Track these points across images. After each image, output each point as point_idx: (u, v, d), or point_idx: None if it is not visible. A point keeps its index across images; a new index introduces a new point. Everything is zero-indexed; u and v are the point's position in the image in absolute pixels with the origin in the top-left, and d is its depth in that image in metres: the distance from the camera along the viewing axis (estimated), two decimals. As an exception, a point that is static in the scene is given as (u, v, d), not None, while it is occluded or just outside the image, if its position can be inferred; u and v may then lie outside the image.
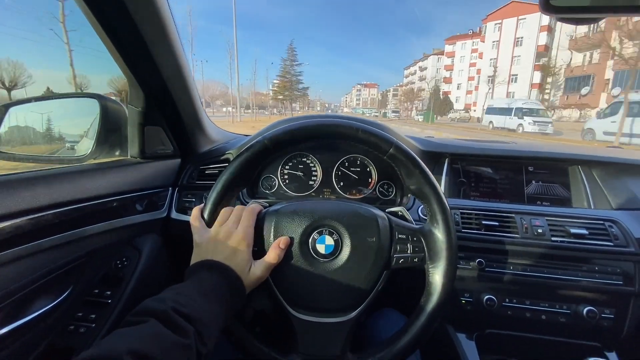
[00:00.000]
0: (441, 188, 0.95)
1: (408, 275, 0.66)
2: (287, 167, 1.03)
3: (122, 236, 0.81)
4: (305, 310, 0.58)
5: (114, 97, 0.91)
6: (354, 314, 0.57)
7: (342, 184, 1.02)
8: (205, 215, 0.58)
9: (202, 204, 0.60)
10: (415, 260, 0.59)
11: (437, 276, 0.57)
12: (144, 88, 0.81)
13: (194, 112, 0.94)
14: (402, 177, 0.61)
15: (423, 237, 0.59)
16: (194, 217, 0.59)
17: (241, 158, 0.59)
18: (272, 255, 0.56)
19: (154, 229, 0.91)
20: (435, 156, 1.03)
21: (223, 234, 0.55)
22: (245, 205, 0.62)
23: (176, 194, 0.97)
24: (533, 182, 1.00)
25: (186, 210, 0.96)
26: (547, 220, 0.85)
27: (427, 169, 0.59)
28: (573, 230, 0.81)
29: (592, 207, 0.91)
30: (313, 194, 1.02)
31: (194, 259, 0.55)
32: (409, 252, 0.59)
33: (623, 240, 0.80)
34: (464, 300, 0.85)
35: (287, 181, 1.03)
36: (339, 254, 0.58)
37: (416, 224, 0.64)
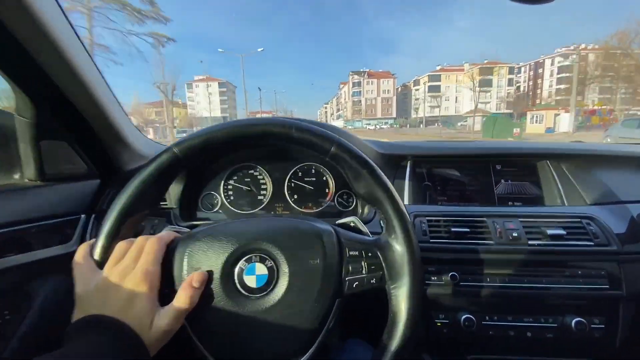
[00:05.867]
0: (404, 193, 0.88)
1: (370, 297, 0.53)
2: (231, 181, 0.90)
3: (7, 281, 0.63)
4: None
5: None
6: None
7: (295, 197, 0.90)
8: (96, 254, 0.44)
9: (94, 239, 0.46)
10: (373, 281, 0.47)
11: (400, 298, 0.46)
12: (31, 94, 0.65)
13: (111, 123, 0.78)
14: (349, 180, 0.51)
15: (380, 252, 0.48)
16: (79, 256, 0.44)
17: (143, 175, 0.46)
18: (182, 298, 0.42)
19: (58, 268, 0.73)
20: (396, 159, 0.93)
21: (116, 276, 0.42)
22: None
23: (92, 222, 0.80)
24: (502, 181, 0.92)
25: None
26: (521, 222, 0.76)
27: (377, 168, 0.49)
28: (550, 232, 0.73)
29: (566, 204, 0.85)
30: (263, 210, 0.89)
31: (77, 315, 0.40)
32: (363, 272, 0.47)
33: (603, 238, 0.73)
34: (439, 322, 0.73)
35: (231, 198, 0.89)
36: (275, 285, 0.45)
37: (373, 237, 0.52)
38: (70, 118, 0.71)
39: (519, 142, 1.10)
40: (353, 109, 74.39)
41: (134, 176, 0.46)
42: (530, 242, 0.73)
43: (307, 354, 0.45)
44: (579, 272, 0.71)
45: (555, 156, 0.91)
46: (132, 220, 0.47)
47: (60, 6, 0.61)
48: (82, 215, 0.78)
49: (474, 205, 0.89)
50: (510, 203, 0.90)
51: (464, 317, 0.71)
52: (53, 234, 0.72)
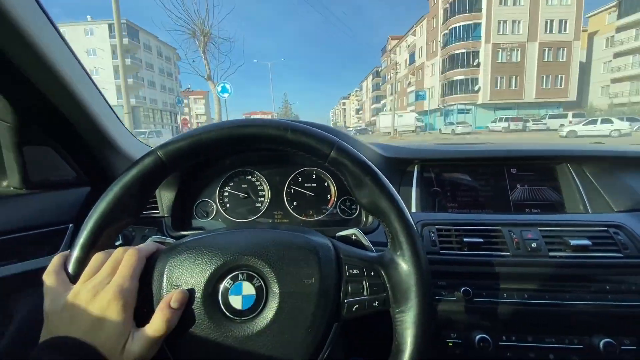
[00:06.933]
0: (411, 200, 0.83)
1: (373, 316, 0.48)
2: (227, 187, 0.85)
3: None
4: None
5: None
6: None
7: (295, 203, 0.85)
8: (70, 266, 0.40)
9: (69, 250, 0.42)
10: (375, 304, 0.42)
11: (406, 325, 0.40)
12: (9, 97, 0.62)
13: (98, 127, 0.74)
14: (350, 188, 0.45)
15: (383, 270, 0.43)
16: (51, 269, 0.40)
17: (123, 180, 0.42)
18: (158, 321, 0.38)
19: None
20: (402, 163, 0.87)
21: (87, 292, 0.37)
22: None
23: None
24: (518, 186, 0.85)
25: None
26: (540, 231, 0.70)
27: (381, 175, 0.44)
28: (573, 242, 0.66)
29: (590, 212, 0.78)
30: (261, 218, 0.84)
31: (43, 335, 0.37)
32: (365, 293, 0.42)
33: (634, 250, 0.66)
34: (451, 342, 0.66)
35: (227, 205, 0.85)
36: (263, 308, 0.41)
37: (377, 252, 0.47)
38: (53, 122, 0.68)
39: (536, 143, 1.03)
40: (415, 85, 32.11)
41: (114, 182, 0.42)
42: (551, 254, 0.67)
43: None
44: (607, 287, 0.65)
45: (576, 159, 0.84)
46: (112, 230, 0.43)
47: (40, 5, 0.58)
48: (70, 225, 0.74)
49: (488, 213, 0.82)
50: (527, 210, 0.83)
51: (478, 337, 0.64)
52: (39, 245, 0.68)
